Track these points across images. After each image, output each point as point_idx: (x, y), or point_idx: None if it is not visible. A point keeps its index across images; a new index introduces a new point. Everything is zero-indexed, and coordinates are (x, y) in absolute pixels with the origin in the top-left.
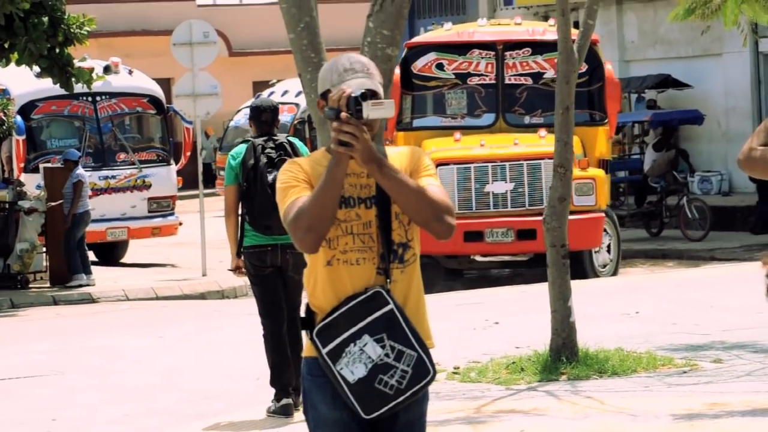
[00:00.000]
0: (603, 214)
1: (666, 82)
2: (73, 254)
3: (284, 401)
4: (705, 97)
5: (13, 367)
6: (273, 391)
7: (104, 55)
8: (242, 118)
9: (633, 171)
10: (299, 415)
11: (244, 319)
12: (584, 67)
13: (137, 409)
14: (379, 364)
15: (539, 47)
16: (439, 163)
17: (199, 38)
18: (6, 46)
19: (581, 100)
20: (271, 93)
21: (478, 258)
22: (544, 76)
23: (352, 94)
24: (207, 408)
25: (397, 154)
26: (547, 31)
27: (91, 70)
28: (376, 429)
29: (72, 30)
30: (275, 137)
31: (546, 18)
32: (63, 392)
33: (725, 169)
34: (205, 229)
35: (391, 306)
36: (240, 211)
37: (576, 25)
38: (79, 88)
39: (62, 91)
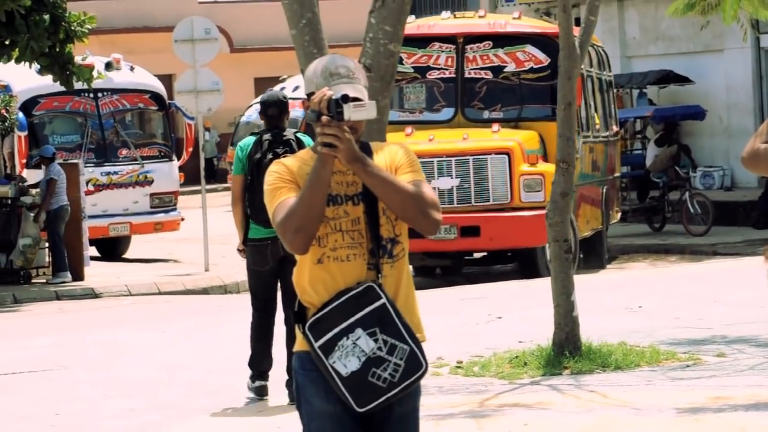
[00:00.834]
0: None
1: (667, 77)
2: (59, 251)
3: (258, 383)
4: (706, 92)
5: (16, 362)
6: (288, 390)
7: (106, 52)
8: (253, 114)
9: (635, 166)
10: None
11: (247, 314)
12: (546, 61)
13: (140, 403)
14: (372, 358)
15: (500, 40)
16: None
17: (200, 35)
18: (7, 43)
19: (543, 94)
20: (282, 89)
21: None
22: (505, 69)
23: (333, 97)
24: (210, 402)
25: (381, 151)
26: (508, 24)
27: (92, 68)
28: (369, 423)
29: (73, 27)
30: (284, 133)
31: (548, 14)
32: (66, 387)
33: (727, 164)
34: (208, 225)
35: (383, 300)
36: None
37: (577, 22)
38: (80, 85)
39: (64, 88)
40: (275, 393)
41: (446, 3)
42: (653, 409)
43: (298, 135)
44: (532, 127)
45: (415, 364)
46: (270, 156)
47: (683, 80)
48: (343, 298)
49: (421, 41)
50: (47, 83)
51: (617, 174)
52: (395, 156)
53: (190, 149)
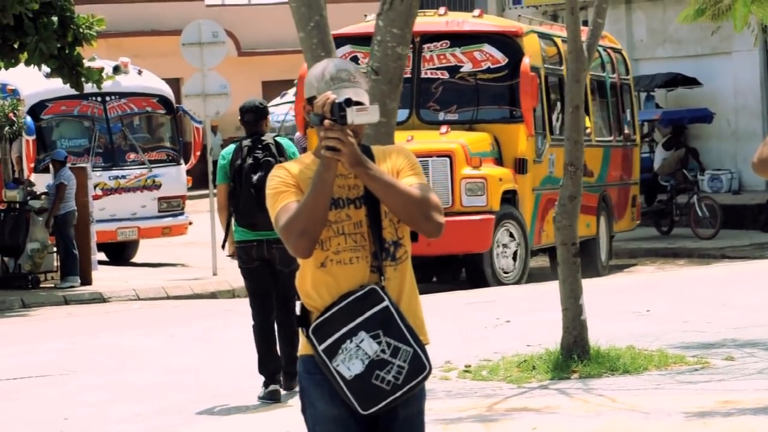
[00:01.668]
0: (493, 216)
1: (675, 80)
2: (71, 255)
3: (272, 387)
4: (714, 95)
5: (24, 367)
6: (282, 380)
7: (113, 56)
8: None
9: (643, 170)
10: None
11: None
12: (503, 61)
13: (148, 407)
14: (375, 360)
15: (458, 39)
16: None
17: (208, 38)
18: (15, 46)
19: (500, 95)
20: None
21: None
22: (461, 70)
23: (336, 101)
24: (217, 406)
25: (382, 154)
26: (466, 22)
27: (101, 70)
28: (375, 426)
29: (81, 30)
30: (263, 138)
31: (555, 17)
32: (74, 391)
33: (735, 168)
34: (215, 229)
35: (386, 303)
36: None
37: (585, 24)
38: (89, 88)
39: (72, 92)
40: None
41: (451, 4)
42: (662, 413)
43: (278, 139)
44: (488, 129)
45: (419, 366)
46: (250, 161)
47: (691, 83)
48: (347, 301)
49: None
50: (55, 87)
51: (630, 180)
52: (397, 159)
53: (198, 153)
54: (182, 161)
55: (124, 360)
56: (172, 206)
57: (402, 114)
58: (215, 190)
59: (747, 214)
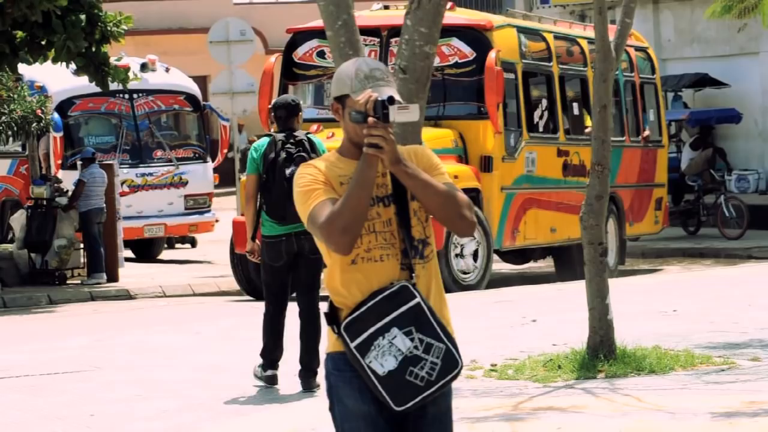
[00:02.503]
0: None
1: (703, 80)
2: (96, 253)
3: (270, 372)
4: (742, 95)
5: (51, 363)
6: (300, 381)
7: (141, 53)
8: None
9: (670, 170)
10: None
11: None
12: (471, 55)
13: (174, 404)
14: (409, 357)
15: None
16: None
17: (235, 36)
18: (43, 43)
19: (468, 91)
20: None
21: None
22: None
23: (379, 98)
24: (243, 404)
25: (407, 153)
26: None
27: (127, 68)
28: (403, 424)
29: (109, 28)
30: (295, 134)
31: (583, 17)
32: (100, 387)
33: (762, 168)
34: None
35: (417, 299)
36: (259, 201)
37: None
38: (115, 85)
39: (99, 89)
40: (289, 385)
41: (482, 4)
42: (688, 413)
43: (310, 136)
44: (454, 126)
45: (452, 362)
46: (283, 155)
47: (719, 83)
48: (378, 298)
49: None
50: (83, 84)
51: (652, 182)
52: (422, 158)
53: (225, 151)
54: (209, 159)
55: (150, 357)
56: (198, 203)
57: None
58: (238, 186)
59: None
